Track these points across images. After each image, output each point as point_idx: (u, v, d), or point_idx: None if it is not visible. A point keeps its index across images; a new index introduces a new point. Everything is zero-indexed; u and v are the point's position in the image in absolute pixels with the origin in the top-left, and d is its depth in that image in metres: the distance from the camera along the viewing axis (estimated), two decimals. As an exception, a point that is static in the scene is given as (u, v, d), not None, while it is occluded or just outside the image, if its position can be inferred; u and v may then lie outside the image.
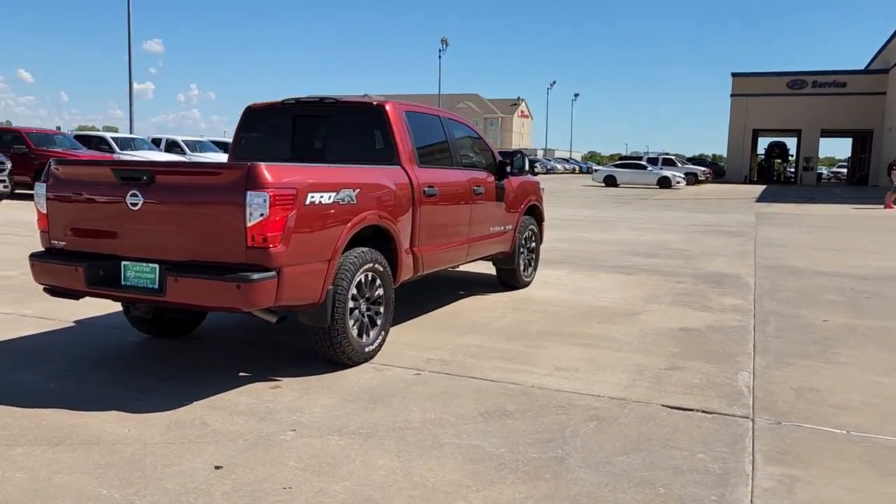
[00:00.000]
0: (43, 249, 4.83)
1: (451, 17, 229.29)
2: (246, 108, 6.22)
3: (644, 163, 43.61)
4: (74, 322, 6.00)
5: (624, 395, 4.51)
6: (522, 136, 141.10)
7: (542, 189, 8.49)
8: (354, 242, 4.95)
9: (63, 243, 4.70)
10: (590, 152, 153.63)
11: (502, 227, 7.24)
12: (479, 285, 8.02)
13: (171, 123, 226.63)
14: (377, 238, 5.23)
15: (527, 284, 7.99)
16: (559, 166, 75.06)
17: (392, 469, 3.38)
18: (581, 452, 3.60)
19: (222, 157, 24.86)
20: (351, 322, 4.88)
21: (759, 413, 4.22)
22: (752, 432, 3.91)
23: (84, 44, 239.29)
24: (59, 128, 43.42)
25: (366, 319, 5.07)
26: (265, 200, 4.09)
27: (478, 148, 7.13)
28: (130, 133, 28.32)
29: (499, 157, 7.20)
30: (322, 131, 5.99)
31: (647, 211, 21.50)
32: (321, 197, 4.49)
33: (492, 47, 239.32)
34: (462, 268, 7.49)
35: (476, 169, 6.88)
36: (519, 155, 7.25)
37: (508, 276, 7.83)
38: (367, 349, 5.02)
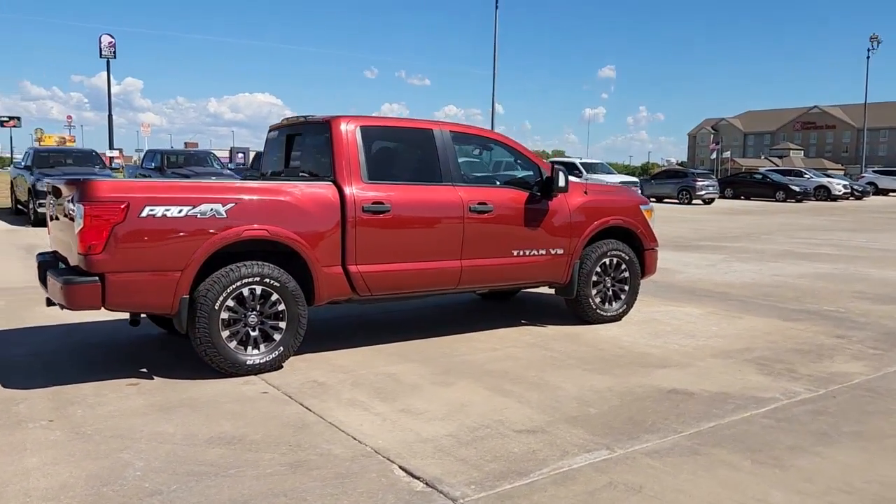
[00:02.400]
0: None
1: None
2: (269, 128, 6.70)
3: None
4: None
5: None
6: None
7: (648, 208, 7.20)
8: (246, 255, 5.08)
9: None
10: None
11: (545, 252, 6.41)
12: (555, 316, 7.15)
13: (620, 145, 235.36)
14: (286, 253, 5.24)
15: (608, 320, 6.88)
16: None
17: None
18: None
19: (614, 179, 25.69)
20: (226, 333, 5.00)
21: None
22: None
23: (549, 75, 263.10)
24: None
25: (255, 332, 5.12)
26: (85, 212, 4.54)
27: (505, 163, 6.48)
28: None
29: (546, 174, 6.40)
30: (299, 148, 6.16)
31: None
32: (166, 210, 4.75)
33: None
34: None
35: (487, 185, 6.27)
36: (557, 169, 6.32)
37: (575, 308, 6.86)
38: (249, 362, 5.07)
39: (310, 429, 4.12)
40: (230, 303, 5.00)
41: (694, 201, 31.59)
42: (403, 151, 6.07)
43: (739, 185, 38.74)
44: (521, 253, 6.29)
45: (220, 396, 4.65)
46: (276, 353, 5.18)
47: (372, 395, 4.73)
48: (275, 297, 5.16)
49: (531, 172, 6.48)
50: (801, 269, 11.03)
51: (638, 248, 7.08)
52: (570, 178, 6.47)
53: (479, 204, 6.00)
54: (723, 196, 36.91)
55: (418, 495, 3.30)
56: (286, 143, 6.29)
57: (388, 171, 5.78)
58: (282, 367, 5.27)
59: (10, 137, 79.71)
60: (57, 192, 5.25)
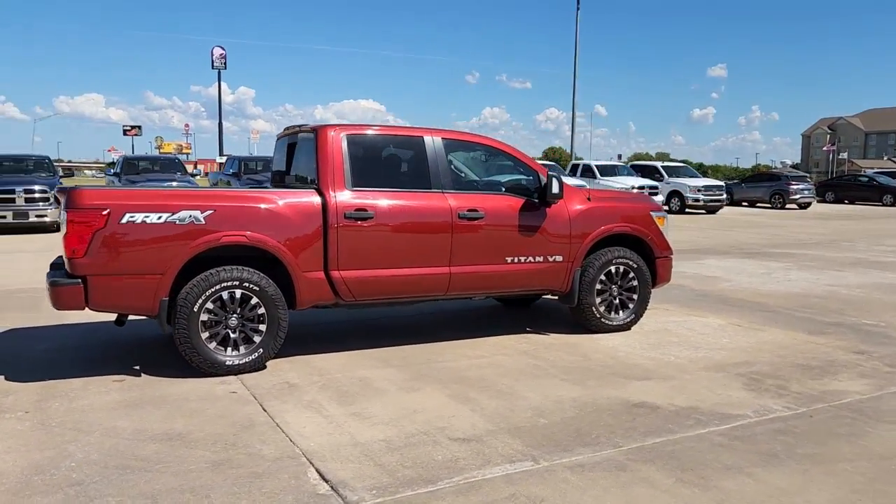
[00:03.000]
0: None
1: None
2: (277, 136, 6.93)
3: None
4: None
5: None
6: None
7: (661, 215, 6.97)
8: (231, 260, 5.31)
9: None
10: None
11: (542, 259, 6.34)
12: (564, 325, 7.03)
13: (730, 147, 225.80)
14: (267, 259, 5.42)
15: (614, 329, 6.72)
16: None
17: None
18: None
19: (696, 182, 25.10)
20: (206, 334, 5.23)
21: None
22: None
23: (655, 75, 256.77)
24: (619, 156, 45.65)
25: (235, 335, 5.33)
26: (68, 218, 4.87)
27: (503, 169, 6.45)
28: (573, 159, 30.26)
29: (544, 181, 6.33)
30: (297, 156, 6.33)
31: None
32: (145, 217, 5.02)
33: None
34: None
35: (481, 192, 6.27)
36: (551, 176, 6.23)
37: (579, 317, 6.73)
38: (228, 362, 5.28)
39: (254, 429, 4.25)
40: (209, 305, 5.21)
41: (788, 206, 30.10)
42: (392, 159, 6.14)
43: (842, 189, 36.69)
44: (516, 260, 6.24)
45: (190, 394, 4.86)
46: (256, 354, 5.36)
47: (333, 398, 4.82)
48: (255, 300, 5.34)
49: (531, 178, 6.41)
50: (864, 279, 10.37)
51: (649, 256, 6.87)
52: (577, 182, 6.39)
53: (470, 211, 6.00)
54: (823, 200, 35.04)
55: (317, 497, 3.37)
56: (287, 151, 6.49)
57: (374, 178, 5.86)
58: (264, 367, 5.44)
59: (132, 145, 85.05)
60: (58, 201, 5.63)
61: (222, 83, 41.68)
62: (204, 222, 5.16)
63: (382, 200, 5.74)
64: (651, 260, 6.89)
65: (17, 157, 17.63)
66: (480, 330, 6.79)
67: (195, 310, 5.16)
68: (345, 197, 5.61)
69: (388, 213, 5.74)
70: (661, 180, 25.74)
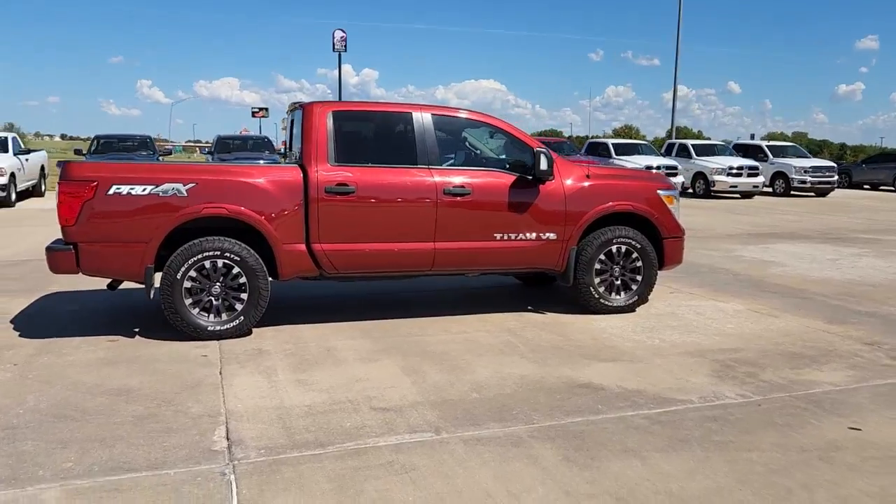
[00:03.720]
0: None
1: None
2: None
3: None
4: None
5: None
6: None
7: (669, 194, 6.71)
8: (219, 231, 5.60)
9: None
10: None
11: (535, 236, 6.28)
12: (569, 305, 6.90)
13: (881, 125, 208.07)
14: (250, 231, 5.68)
15: (615, 310, 6.57)
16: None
17: None
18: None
19: (804, 163, 23.58)
20: (189, 300, 5.57)
21: None
22: None
23: (795, 49, 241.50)
24: (752, 136, 41.52)
25: (218, 302, 5.63)
26: (60, 190, 5.31)
27: (493, 145, 6.41)
28: (672, 139, 29.13)
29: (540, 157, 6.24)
30: (294, 130, 6.54)
31: None
32: (131, 189, 5.38)
33: None
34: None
35: (471, 168, 6.26)
36: (538, 152, 6.12)
37: (577, 297, 6.61)
38: (210, 328, 5.59)
39: (198, 389, 4.51)
40: (193, 273, 5.53)
41: (916, 189, 27.76)
42: (379, 135, 6.24)
43: None
44: (506, 237, 6.21)
45: (164, 356, 5.19)
46: (237, 321, 5.64)
47: (291, 365, 5.02)
48: (236, 270, 5.61)
49: (526, 155, 6.34)
50: (941, 267, 9.53)
51: (656, 236, 6.64)
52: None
53: (456, 187, 6.02)
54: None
55: (209, 453, 3.57)
56: (291, 126, 6.72)
57: (359, 154, 5.98)
58: (249, 333, 5.72)
59: (259, 127, 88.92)
60: (66, 174, 6.10)
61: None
62: (186, 195, 5.46)
63: (364, 175, 5.85)
64: (658, 240, 6.65)
65: (122, 137, 19.02)
66: (480, 306, 6.81)
67: (178, 277, 5.48)
68: (326, 172, 5.77)
69: (370, 188, 5.85)
70: (766, 160, 24.37)
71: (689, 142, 25.41)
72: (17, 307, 6.62)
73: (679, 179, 21.64)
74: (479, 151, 6.61)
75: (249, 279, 5.64)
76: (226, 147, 19.27)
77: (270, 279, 5.77)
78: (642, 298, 6.69)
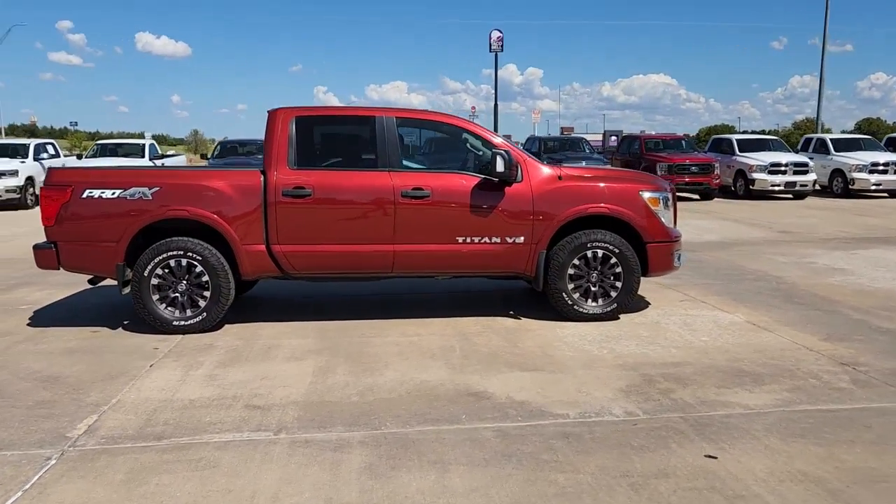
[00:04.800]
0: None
1: None
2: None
3: None
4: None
5: None
6: None
7: (655, 196, 6.29)
8: (183, 232, 6.01)
9: None
10: None
11: (499, 240, 6.15)
12: (550, 309, 6.66)
13: None
14: (213, 232, 6.02)
15: (591, 318, 6.28)
16: None
17: None
18: None
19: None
20: (156, 296, 6.00)
21: None
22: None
23: None
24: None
25: (183, 298, 6.02)
26: (41, 193, 5.92)
27: (459, 147, 6.33)
28: (816, 133, 26.78)
29: (514, 160, 6.09)
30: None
31: None
32: (102, 193, 5.88)
33: None
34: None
35: (433, 171, 6.24)
36: (495, 154, 5.96)
37: (551, 303, 6.39)
38: (175, 322, 5.99)
39: (115, 380, 4.86)
40: (159, 271, 5.94)
41: None
42: (341, 139, 6.36)
43: None
44: (468, 240, 6.13)
45: (120, 348, 5.63)
46: (201, 317, 5.99)
47: (220, 361, 5.27)
48: (199, 268, 5.96)
49: (490, 157, 6.21)
50: None
51: (639, 240, 6.28)
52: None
53: (414, 189, 6.03)
54: None
55: (60, 439, 3.88)
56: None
57: (319, 158, 6.16)
58: (214, 328, 6.06)
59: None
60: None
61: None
62: (151, 198, 5.88)
63: (321, 179, 6.01)
64: (641, 245, 6.28)
65: (244, 142, 20.40)
66: (460, 310, 6.75)
67: (145, 274, 5.91)
68: (285, 175, 5.97)
69: (326, 191, 5.99)
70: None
71: (828, 136, 23.28)
72: (54, 298, 7.38)
73: (810, 177, 20.00)
74: (444, 153, 6.56)
75: (211, 277, 5.96)
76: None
77: (273, 279, 6.21)
78: (622, 306, 6.34)
